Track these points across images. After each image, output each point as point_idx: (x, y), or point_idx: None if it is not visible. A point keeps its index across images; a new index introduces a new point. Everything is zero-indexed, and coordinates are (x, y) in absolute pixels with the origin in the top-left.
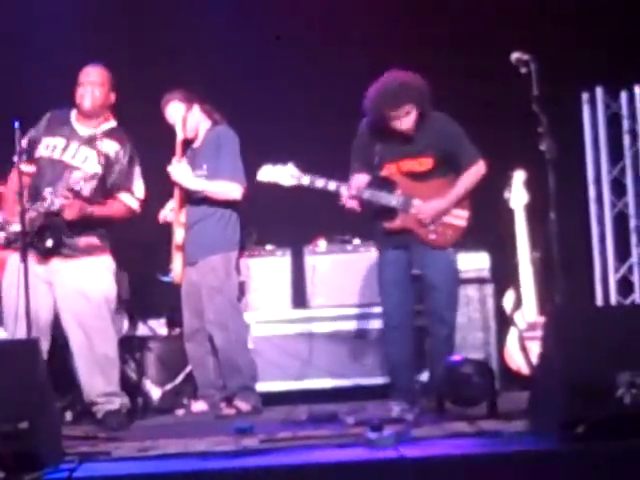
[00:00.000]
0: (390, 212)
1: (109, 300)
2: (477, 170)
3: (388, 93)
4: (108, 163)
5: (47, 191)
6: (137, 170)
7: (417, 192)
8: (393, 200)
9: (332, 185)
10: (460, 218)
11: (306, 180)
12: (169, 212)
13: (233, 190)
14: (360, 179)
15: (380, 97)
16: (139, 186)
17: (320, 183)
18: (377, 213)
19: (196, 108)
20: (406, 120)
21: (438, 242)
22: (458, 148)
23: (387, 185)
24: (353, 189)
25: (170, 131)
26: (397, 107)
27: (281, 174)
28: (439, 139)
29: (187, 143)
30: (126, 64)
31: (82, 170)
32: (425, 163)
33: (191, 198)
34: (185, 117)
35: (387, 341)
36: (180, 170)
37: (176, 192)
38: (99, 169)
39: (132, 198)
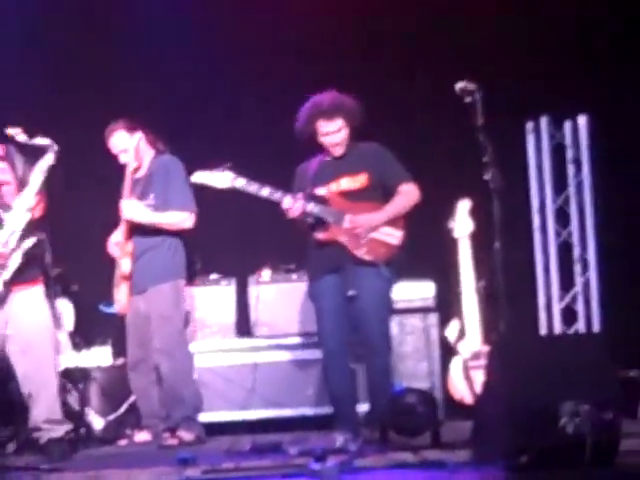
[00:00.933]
0: (322, 226)
1: (49, 328)
2: (410, 191)
3: (323, 105)
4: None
5: None
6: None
7: (350, 210)
8: (327, 212)
9: (265, 191)
10: (393, 237)
11: (241, 182)
12: (113, 245)
13: (185, 219)
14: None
15: (314, 109)
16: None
17: (254, 187)
18: (308, 232)
19: (140, 137)
20: (337, 135)
21: (368, 257)
22: (389, 169)
23: (320, 202)
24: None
25: (114, 160)
26: (330, 119)
27: (215, 177)
28: (372, 159)
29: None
30: (66, 91)
31: None
32: (360, 180)
33: (139, 228)
34: (137, 147)
35: (327, 371)
36: (132, 206)
37: (123, 223)
38: None
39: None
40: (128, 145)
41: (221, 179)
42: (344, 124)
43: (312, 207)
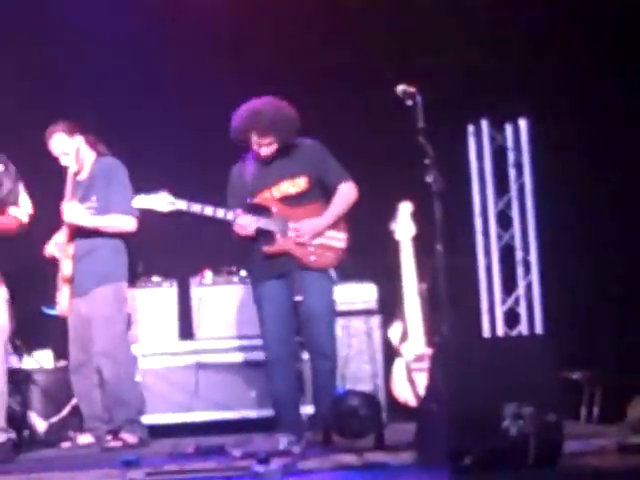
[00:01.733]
0: (268, 237)
1: (4, 331)
2: (348, 190)
3: (260, 119)
4: None
5: None
6: (21, 186)
7: (292, 216)
8: (271, 223)
9: (209, 210)
10: (338, 240)
11: (182, 205)
12: (54, 246)
13: (128, 222)
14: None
15: (250, 120)
16: (25, 200)
17: (197, 208)
18: (254, 243)
19: (80, 139)
20: (266, 149)
21: (318, 263)
22: (327, 168)
23: (262, 211)
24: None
25: (55, 162)
26: (263, 136)
27: (156, 201)
28: (310, 161)
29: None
30: (9, 94)
31: None
32: (299, 184)
33: (80, 230)
34: (77, 149)
35: (270, 375)
36: (73, 209)
37: (65, 226)
38: None
39: (21, 212)
40: (68, 148)
41: (162, 203)
42: (275, 141)
43: (257, 221)
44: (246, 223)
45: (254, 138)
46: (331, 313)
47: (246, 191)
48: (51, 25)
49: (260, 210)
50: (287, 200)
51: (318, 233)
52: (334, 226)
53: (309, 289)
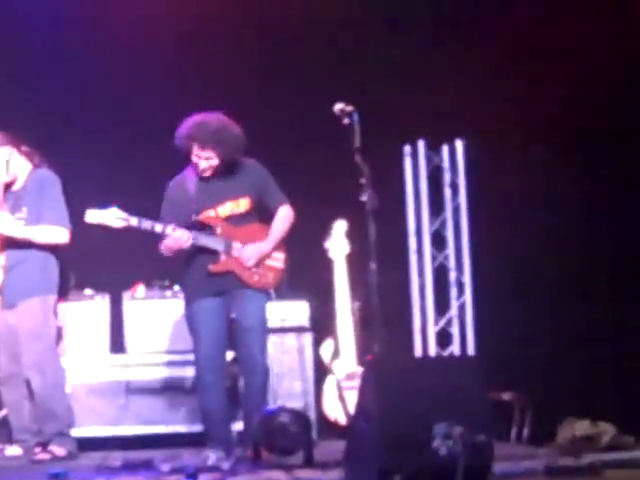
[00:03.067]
0: (211, 255)
1: None
2: (288, 214)
3: (203, 130)
4: None
5: None
6: None
7: (236, 236)
8: (216, 242)
9: (159, 227)
10: (278, 260)
11: (134, 221)
12: None
13: (59, 235)
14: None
15: (194, 130)
16: None
17: (147, 225)
18: (194, 259)
19: (11, 151)
20: (204, 163)
21: (261, 284)
22: (268, 190)
23: (205, 229)
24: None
25: None
26: (203, 148)
27: (107, 217)
28: (252, 182)
29: (5, 187)
30: None
31: None
32: (243, 204)
33: (10, 241)
34: (7, 160)
35: (201, 390)
36: (2, 219)
37: None
38: None
39: None
40: (2, 161)
41: (113, 219)
42: (215, 157)
43: (202, 239)
44: (181, 237)
45: (195, 149)
46: (264, 330)
47: (189, 208)
48: None
49: (203, 228)
50: (231, 220)
51: (263, 257)
52: (275, 247)
53: (246, 306)
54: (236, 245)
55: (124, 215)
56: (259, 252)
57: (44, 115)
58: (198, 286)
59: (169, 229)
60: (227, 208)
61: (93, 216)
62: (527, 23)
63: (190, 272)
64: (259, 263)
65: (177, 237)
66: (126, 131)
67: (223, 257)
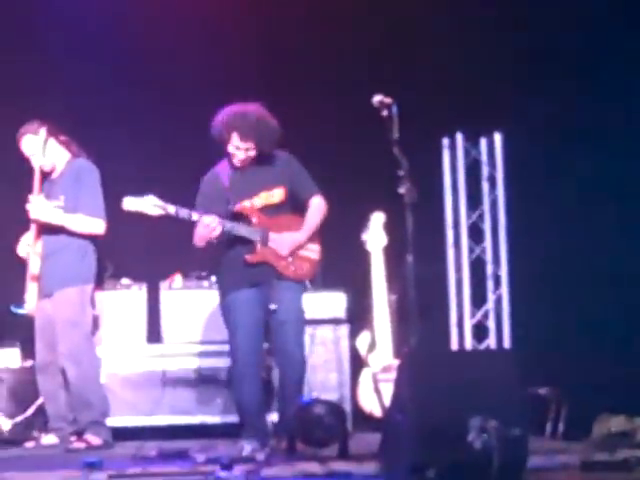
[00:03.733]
0: (247, 246)
1: None
2: (321, 204)
3: (245, 120)
4: None
5: None
6: None
7: (271, 226)
8: (252, 232)
9: (195, 215)
10: (313, 251)
11: (171, 209)
12: (24, 244)
13: (95, 225)
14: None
15: (235, 120)
16: None
17: (184, 213)
18: (230, 250)
19: (52, 140)
20: (242, 154)
21: (297, 275)
22: (301, 181)
23: (241, 220)
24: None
25: (28, 163)
26: (244, 139)
27: (145, 204)
28: (285, 172)
29: (44, 175)
30: None
31: None
32: (278, 194)
33: (48, 228)
34: (44, 147)
35: (237, 381)
36: (38, 205)
37: (32, 223)
38: None
39: None
40: (35, 148)
41: (151, 207)
42: (253, 148)
43: (239, 229)
44: (211, 222)
45: (234, 140)
46: (301, 321)
47: (224, 200)
48: (29, 26)
49: (239, 219)
50: (267, 210)
51: (298, 248)
52: (310, 238)
53: (282, 297)
54: (272, 235)
55: (161, 203)
56: (294, 242)
57: (81, 106)
58: (234, 277)
59: (206, 218)
60: (262, 198)
61: (130, 203)
62: None
63: (226, 263)
64: (293, 253)
65: (207, 222)
66: (164, 124)
67: (259, 247)
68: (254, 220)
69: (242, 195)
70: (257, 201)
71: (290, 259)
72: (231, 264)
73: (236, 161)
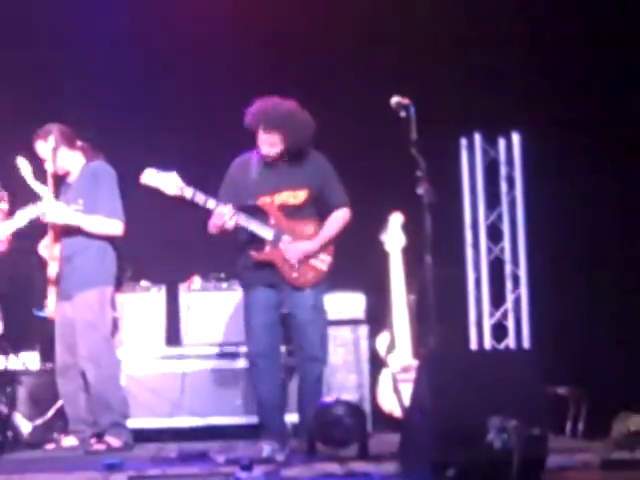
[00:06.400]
0: (258, 242)
1: None
2: (344, 215)
3: (270, 113)
4: None
5: None
6: None
7: (288, 228)
8: (266, 230)
9: (211, 203)
10: (323, 262)
11: (189, 192)
12: (43, 247)
13: (113, 227)
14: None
15: (261, 111)
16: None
17: (200, 198)
18: (243, 245)
19: (63, 148)
20: (266, 148)
21: (298, 281)
22: (329, 187)
23: (260, 215)
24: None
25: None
26: (267, 131)
27: (165, 181)
28: (314, 175)
29: (60, 179)
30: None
31: None
32: (300, 196)
33: (67, 231)
34: (57, 154)
35: (256, 382)
36: (54, 208)
37: (50, 226)
38: None
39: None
40: (46, 154)
41: (170, 184)
42: (280, 142)
43: (253, 224)
44: (226, 213)
45: (260, 132)
46: (322, 322)
47: (247, 191)
48: (50, 26)
49: (258, 213)
50: (286, 209)
51: (307, 257)
52: (323, 248)
53: (298, 304)
54: (285, 238)
55: (181, 184)
56: (304, 251)
57: (105, 108)
58: (249, 274)
59: (222, 207)
60: (283, 197)
61: (150, 176)
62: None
63: (241, 259)
64: (301, 262)
65: (220, 212)
66: (191, 126)
67: (268, 247)
68: (272, 218)
69: (265, 190)
70: (277, 198)
71: (296, 265)
72: (247, 262)
73: (263, 156)
